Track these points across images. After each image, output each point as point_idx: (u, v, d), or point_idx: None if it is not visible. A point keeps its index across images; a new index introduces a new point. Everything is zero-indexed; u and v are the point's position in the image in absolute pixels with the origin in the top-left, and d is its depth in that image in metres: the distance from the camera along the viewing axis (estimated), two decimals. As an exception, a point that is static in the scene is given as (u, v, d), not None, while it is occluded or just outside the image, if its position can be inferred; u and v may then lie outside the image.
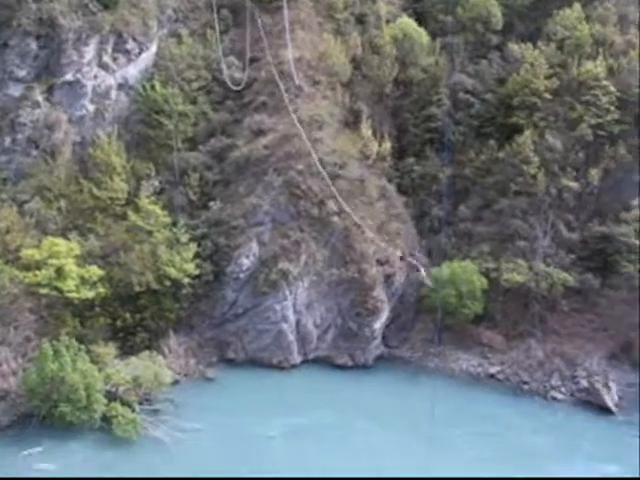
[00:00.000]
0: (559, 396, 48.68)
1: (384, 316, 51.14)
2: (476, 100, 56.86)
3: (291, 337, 49.46)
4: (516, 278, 50.78)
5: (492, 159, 55.48)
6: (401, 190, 55.51)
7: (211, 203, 51.07)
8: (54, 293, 44.94)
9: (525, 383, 49.90)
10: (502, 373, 51.13)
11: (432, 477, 28.27)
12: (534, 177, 53.12)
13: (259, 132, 52.77)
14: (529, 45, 56.95)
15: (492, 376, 51.05)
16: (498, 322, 53.06)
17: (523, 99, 54.97)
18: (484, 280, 51.50)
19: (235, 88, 54.87)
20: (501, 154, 54.92)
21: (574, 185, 53.12)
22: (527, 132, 54.15)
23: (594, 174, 53.33)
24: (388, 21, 59.92)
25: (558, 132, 54.43)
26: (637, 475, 29.64)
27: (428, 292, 52.33)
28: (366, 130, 54.54)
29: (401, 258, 51.68)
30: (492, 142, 55.82)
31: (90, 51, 51.32)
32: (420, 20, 61.11)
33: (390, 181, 55.05)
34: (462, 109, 56.91)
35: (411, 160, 56.68)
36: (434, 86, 57.46)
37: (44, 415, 41.00)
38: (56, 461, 38.74)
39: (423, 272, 29.35)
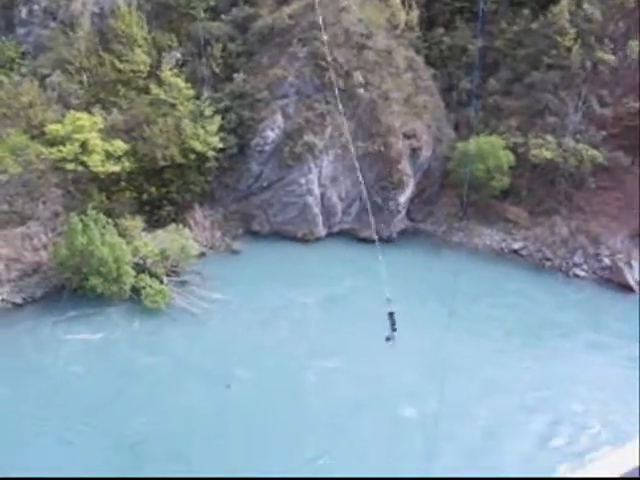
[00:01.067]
0: (581, 273, 49.05)
1: (409, 190, 50.99)
2: (510, -35, 53.99)
3: (316, 210, 49.66)
4: (544, 154, 49.88)
5: (525, 30, 53.23)
6: (429, 62, 53.91)
7: (235, 75, 50.01)
8: (80, 168, 45.11)
9: (548, 260, 50.20)
10: (525, 249, 51.37)
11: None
12: (569, 49, 51.00)
13: (283, 1, 50.99)
14: None
15: (515, 252, 51.40)
16: (524, 198, 52.69)
17: (562, -35, 52.09)
18: (511, 156, 50.69)
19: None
20: (535, 25, 52.60)
21: (611, 58, 50.86)
22: (563, 1, 51.45)
23: (634, 47, 50.75)
24: None
25: (597, 0, 51.75)
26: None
27: (454, 167, 51.74)
28: (394, -2, 52.41)
29: None
30: (526, 12, 53.48)
31: None
32: None
33: (418, 52, 53.34)
34: (496, -24, 54.11)
35: (440, 30, 54.80)
36: (465, -49, 54.59)
37: (75, 287, 42.24)
38: (88, 330, 40.28)
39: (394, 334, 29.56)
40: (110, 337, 40.20)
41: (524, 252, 51.31)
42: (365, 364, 37.90)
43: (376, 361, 37.18)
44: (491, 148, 50.37)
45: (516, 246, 51.53)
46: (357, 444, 33.15)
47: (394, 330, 28.93)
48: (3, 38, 49.30)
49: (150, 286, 42.17)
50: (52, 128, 45.22)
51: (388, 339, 29.01)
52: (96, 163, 44.92)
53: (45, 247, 44.54)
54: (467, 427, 34.32)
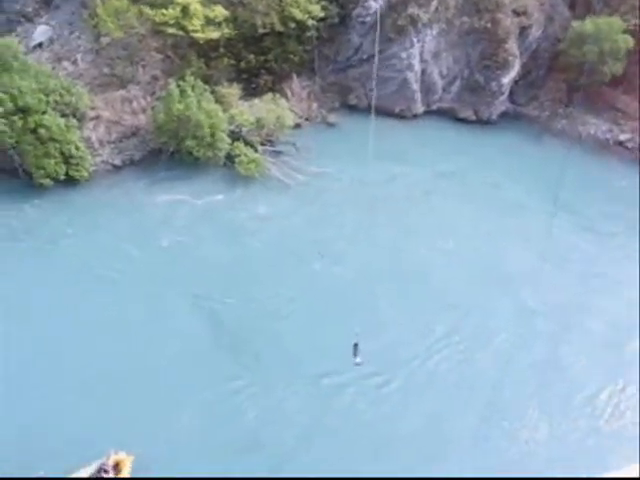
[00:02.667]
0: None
1: (514, 71, 48.65)
2: None
3: (415, 86, 48.26)
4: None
5: None
6: None
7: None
8: (180, 33, 44.67)
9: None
10: (632, 141, 48.74)
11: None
12: None
13: None
14: None
15: (621, 144, 48.92)
16: (637, 87, 49.25)
17: None
18: (630, 39, 47.09)
19: None
20: None
21: None
22: None
23: None
24: None
25: None
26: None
27: (566, 48, 48.58)
28: None
29: None
30: None
31: None
32: None
33: None
34: None
35: None
36: None
37: (172, 151, 43.15)
38: (184, 193, 41.51)
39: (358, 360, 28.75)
40: (206, 201, 41.34)
41: (630, 144, 48.72)
42: (478, 247, 38.26)
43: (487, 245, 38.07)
44: (609, 30, 46.87)
45: (623, 137, 49.00)
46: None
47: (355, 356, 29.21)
48: None
49: (245, 154, 42.74)
50: (154, -10, 44.75)
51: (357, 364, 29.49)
52: (196, 28, 44.38)
53: (144, 111, 45.38)
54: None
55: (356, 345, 29.45)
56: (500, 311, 34.49)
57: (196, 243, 37.90)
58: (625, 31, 47.35)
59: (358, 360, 29.21)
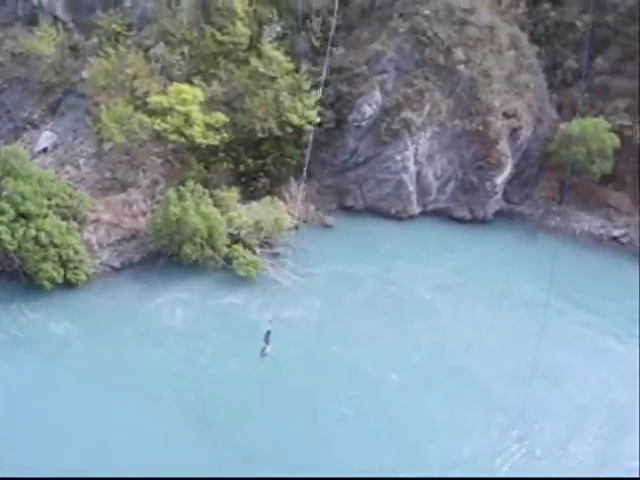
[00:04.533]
0: (688, 265, 46.71)
1: (507, 171, 49.74)
2: None
3: (411, 187, 49.12)
4: (652, 137, 47.81)
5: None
6: (533, 39, 52.09)
7: (334, 49, 49.33)
8: (181, 139, 46.11)
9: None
10: (626, 237, 49.34)
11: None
12: (686, 26, 48.42)
13: (385, -26, 50.29)
14: None
15: (615, 239, 49.43)
16: (627, 184, 50.49)
17: None
18: (616, 138, 48.60)
19: None
20: (651, -2, 50.02)
21: None
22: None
23: None
24: None
25: None
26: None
27: (555, 149, 50.04)
28: (499, -28, 50.90)
29: None
30: (641, -15, 50.82)
31: None
32: None
33: (522, 29, 51.62)
34: (609, -54, 51.63)
35: (547, 6, 52.66)
36: None
37: (171, 254, 43.44)
38: (181, 295, 41.60)
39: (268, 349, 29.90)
40: (206, 302, 41.40)
41: (625, 240, 49.29)
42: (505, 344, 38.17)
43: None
44: (595, 131, 48.46)
45: (616, 233, 49.57)
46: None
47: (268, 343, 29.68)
48: (111, 11, 50.69)
49: (243, 256, 43.03)
50: (156, 99, 46.41)
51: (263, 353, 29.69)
52: (197, 135, 45.82)
53: (144, 214, 46.13)
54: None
55: (269, 333, 28.79)
56: (553, 410, 34.15)
57: (204, 348, 37.67)
58: (611, 131, 48.86)
59: (268, 350, 28.87)
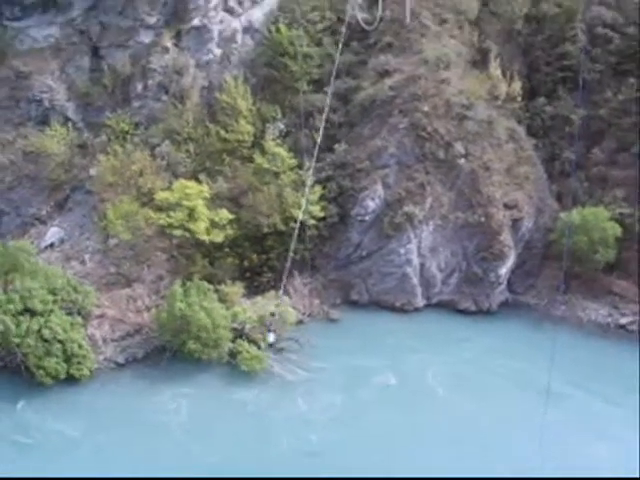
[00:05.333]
0: (698, 351, 46.30)
1: (510, 261, 49.86)
2: (615, 34, 52.90)
3: (415, 280, 49.19)
4: (652, 225, 48.23)
5: (631, 99, 51.80)
6: (531, 132, 53.02)
7: (336, 145, 50.80)
8: (186, 235, 46.71)
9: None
10: (634, 324, 48.73)
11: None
12: (678, 118, 49.62)
13: (384, 73, 51.72)
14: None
15: (622, 327, 48.87)
16: (632, 271, 50.20)
17: (670, 31, 51.19)
18: (617, 227, 48.87)
19: (368, 28, 53.26)
20: (641, 93, 51.58)
21: None
22: (671, 68, 50.51)
23: None
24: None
25: None
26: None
27: (557, 238, 50.19)
28: (495, 69, 52.19)
29: None
30: (632, 80, 51.96)
31: (216, -5, 52.11)
32: (553, -50, 57.93)
33: (520, 122, 52.69)
34: (599, 45, 53.16)
35: (542, 100, 53.73)
36: (569, 21, 54.01)
37: (175, 349, 43.37)
38: (187, 393, 41.55)
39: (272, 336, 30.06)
40: (204, 401, 41.21)
41: (633, 327, 48.71)
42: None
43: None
44: (595, 220, 48.84)
45: (624, 321, 49.11)
46: None
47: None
48: (119, 111, 52.27)
49: (247, 351, 42.90)
50: (162, 196, 47.33)
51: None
52: (201, 231, 46.49)
53: (148, 309, 46.33)
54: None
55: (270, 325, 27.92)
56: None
57: (212, 444, 37.22)
58: (611, 219, 49.24)
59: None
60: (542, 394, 38.11)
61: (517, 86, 52.58)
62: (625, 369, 43.75)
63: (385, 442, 37.21)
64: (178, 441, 37.82)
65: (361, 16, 53.67)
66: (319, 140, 49.48)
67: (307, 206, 47.47)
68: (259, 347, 43.51)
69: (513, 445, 37.33)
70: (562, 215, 50.59)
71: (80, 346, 41.53)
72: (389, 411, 39.70)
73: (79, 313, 43.47)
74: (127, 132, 51.88)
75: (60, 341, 40.87)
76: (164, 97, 52.81)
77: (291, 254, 47.18)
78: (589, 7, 54.03)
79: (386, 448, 36.69)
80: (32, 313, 41.12)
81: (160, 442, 37.50)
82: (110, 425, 38.58)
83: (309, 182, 48.38)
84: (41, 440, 37.70)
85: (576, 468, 34.87)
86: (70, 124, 52.76)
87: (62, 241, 51.21)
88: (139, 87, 52.52)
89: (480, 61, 53.61)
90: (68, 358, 41.04)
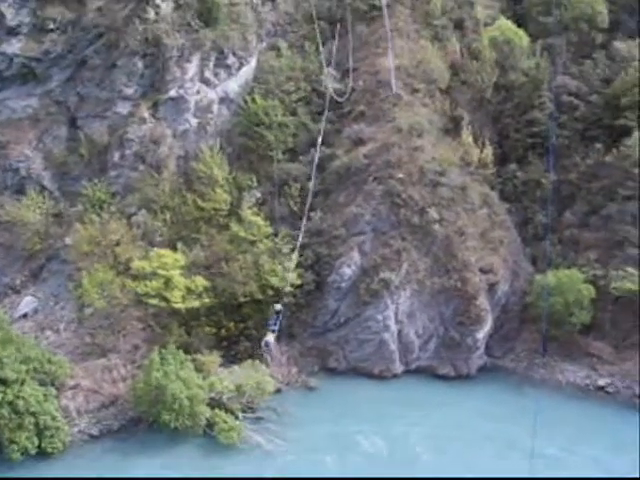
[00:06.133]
0: (678, 411, 46.36)
1: (487, 325, 50.09)
2: (581, 102, 54.91)
3: (393, 347, 49.06)
4: (626, 286, 48.58)
5: (599, 163, 53.40)
6: (504, 197, 54.28)
7: (312, 213, 51.24)
8: (162, 304, 46.45)
9: (638, 397, 47.49)
10: (612, 386, 48.97)
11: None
12: (645, 181, 50.88)
13: (359, 141, 52.61)
14: (638, 42, 54.91)
15: (601, 389, 49.04)
16: (607, 332, 50.94)
17: (632, 99, 52.69)
18: (592, 289, 49.61)
19: (339, 99, 54.76)
20: (608, 158, 52.73)
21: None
22: (636, 133, 51.71)
23: None
24: (487, 24, 59.19)
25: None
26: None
27: (533, 301, 50.89)
28: (467, 137, 53.68)
29: None
30: (598, 145, 53.71)
31: (192, 67, 52.83)
32: (520, 22, 60.09)
33: (492, 188, 53.86)
34: (566, 112, 54.99)
35: (513, 166, 55.29)
36: (536, 89, 55.90)
37: (152, 421, 42.43)
38: (158, 461, 40.36)
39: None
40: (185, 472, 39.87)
41: (611, 389, 48.91)
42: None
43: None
44: (570, 282, 49.54)
45: (602, 382, 49.25)
46: None
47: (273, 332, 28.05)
48: (96, 180, 52.24)
49: (225, 422, 41.99)
50: (138, 265, 47.15)
51: (266, 344, 28.45)
52: (177, 299, 46.21)
53: (124, 379, 45.35)
54: None
55: (278, 313, 26.60)
56: None
57: None
58: (585, 281, 49.94)
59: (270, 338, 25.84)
60: (527, 455, 37.90)
61: (489, 152, 54.03)
62: (607, 430, 43.95)
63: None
64: None
65: (333, 87, 55.13)
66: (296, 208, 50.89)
67: (283, 274, 47.91)
68: (237, 417, 42.82)
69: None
70: (537, 278, 51.38)
71: (53, 418, 40.32)
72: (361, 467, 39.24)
73: (52, 384, 42.44)
74: (104, 201, 51.70)
75: (32, 413, 39.62)
76: (141, 166, 52.80)
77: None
78: (554, 77, 56.12)
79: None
80: (4, 384, 39.73)
81: None
82: None
83: (285, 250, 49.15)
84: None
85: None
86: (46, 193, 52.61)
87: (36, 311, 50.43)
88: (116, 156, 52.65)
89: (452, 129, 54.89)
90: (40, 431, 39.73)
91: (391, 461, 40.95)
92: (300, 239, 49.19)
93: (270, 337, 29.04)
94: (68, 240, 51.20)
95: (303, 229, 49.66)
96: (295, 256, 49.06)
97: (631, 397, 47.63)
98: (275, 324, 28.89)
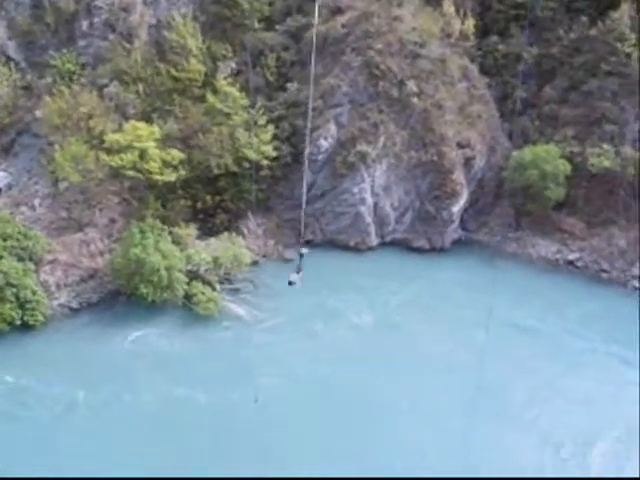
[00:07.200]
0: (640, 286, 47.92)
1: (463, 200, 50.48)
2: (568, -29, 53.21)
3: (368, 219, 49.52)
4: (602, 163, 48.88)
5: (583, 37, 52.29)
6: (484, 70, 53.29)
7: (288, 84, 50.24)
8: (139, 175, 45.70)
9: (605, 272, 49.06)
10: (581, 260, 50.30)
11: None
12: (628, 56, 49.86)
13: (337, 10, 51.03)
14: None
15: (571, 263, 50.35)
16: (580, 209, 51.72)
17: (622, -31, 51.21)
18: (568, 165, 49.73)
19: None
20: (593, 31, 51.60)
21: (674, 64, 49.50)
22: (624, 6, 50.43)
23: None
24: None
25: (659, 4, 50.60)
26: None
27: (509, 176, 51.04)
28: (448, 7, 51.94)
29: None
30: (584, 18, 52.41)
31: None
32: None
33: (472, 61, 52.79)
34: (552, -18, 53.37)
35: (495, 39, 54.07)
36: (521, -42, 53.97)
37: (130, 293, 42.93)
38: (140, 337, 40.92)
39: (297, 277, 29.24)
40: (160, 342, 40.81)
41: (580, 264, 50.25)
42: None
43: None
44: (547, 157, 49.56)
45: (572, 257, 50.50)
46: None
47: (298, 272, 28.58)
48: (64, 50, 50.44)
49: (202, 293, 42.70)
50: (112, 138, 46.03)
51: (290, 283, 29.13)
52: (155, 171, 45.52)
53: (101, 253, 45.62)
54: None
55: (302, 256, 27.54)
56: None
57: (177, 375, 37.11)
58: (562, 157, 49.97)
59: (295, 278, 27.62)
60: (506, 325, 40.01)
61: (470, 24, 52.53)
62: (576, 303, 45.39)
63: (349, 371, 37.51)
64: (140, 380, 37.37)
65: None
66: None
67: (259, 146, 47.29)
68: (214, 289, 43.43)
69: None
70: (514, 153, 51.26)
71: (33, 292, 40.76)
72: (349, 344, 40.12)
73: (31, 259, 42.60)
74: (73, 72, 50.20)
75: (13, 286, 40.02)
76: (111, 36, 50.90)
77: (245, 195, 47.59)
78: (541, -57, 53.95)
79: (349, 374, 37.10)
80: (-18, 259, 40.25)
81: (120, 383, 36.94)
82: (60, 375, 37.48)
83: (261, 122, 48.21)
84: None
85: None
86: (12, 64, 50.78)
87: (10, 187, 49.87)
88: (84, 25, 50.56)
89: (433, -2, 53.25)
90: (22, 305, 40.27)
91: (376, 330, 42.05)
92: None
93: (295, 276, 29.02)
94: (38, 113, 50.00)
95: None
96: (271, 128, 48.43)
97: (598, 272, 49.15)
98: (299, 266, 28.89)
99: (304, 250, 28.92)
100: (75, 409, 35.48)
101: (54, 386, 36.67)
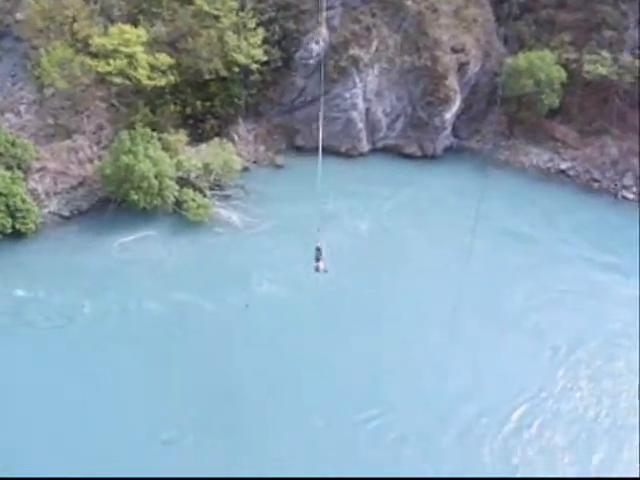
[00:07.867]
0: (630, 196, 48.08)
1: (455, 106, 49.93)
2: None
3: (360, 125, 49.10)
4: (599, 70, 48.21)
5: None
6: (480, -29, 51.73)
7: (279, -15, 48.63)
8: (126, 81, 44.66)
9: (596, 181, 49.34)
10: (573, 169, 50.40)
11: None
12: (631, -44, 48.45)
13: None
14: None
15: (562, 172, 50.50)
16: (574, 117, 51.34)
17: None
18: (563, 72, 49.09)
19: None
20: None
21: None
22: None
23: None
24: None
25: None
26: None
27: (503, 82, 49.99)
28: None
29: None
30: None
31: None
32: None
33: (469, -39, 51.15)
34: None
35: (493, -63, 52.13)
36: None
37: (120, 201, 42.66)
38: (133, 244, 40.84)
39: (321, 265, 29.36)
40: (153, 246, 40.89)
41: (571, 172, 50.36)
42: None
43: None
44: (542, 63, 48.81)
45: (564, 166, 50.52)
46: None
47: (318, 260, 29.75)
48: (45, -52, 48.28)
49: (193, 199, 42.51)
50: (98, 42, 44.55)
51: (317, 269, 29.87)
52: (143, 77, 44.36)
53: (90, 160, 45.07)
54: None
55: (319, 250, 28.92)
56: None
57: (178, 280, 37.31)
58: (557, 63, 49.33)
59: (320, 266, 28.79)
60: (502, 232, 40.82)
61: None
62: (568, 212, 45.73)
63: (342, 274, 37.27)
64: (139, 286, 37.36)
65: None
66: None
67: (249, 50, 46.01)
68: (205, 195, 43.26)
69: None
70: (509, 59, 50.37)
71: (23, 200, 40.48)
72: (342, 249, 39.49)
73: (19, 167, 42.08)
74: (56, -28, 48.42)
75: (2, 195, 39.72)
76: None
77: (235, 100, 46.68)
78: None
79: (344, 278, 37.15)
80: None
81: (119, 290, 36.99)
82: (53, 283, 37.51)
83: (251, 25, 46.75)
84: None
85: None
86: (-10, -37, 48.86)
87: (-6, 93, 48.96)
88: None
89: None
90: (12, 213, 40.04)
91: (370, 235, 42.16)
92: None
93: (319, 265, 29.31)
94: (19, 15, 48.23)
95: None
96: (261, 31, 47.07)
97: (589, 181, 49.40)
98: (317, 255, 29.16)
99: (320, 244, 29.56)
100: (79, 318, 35.21)
101: (53, 295, 36.57)
